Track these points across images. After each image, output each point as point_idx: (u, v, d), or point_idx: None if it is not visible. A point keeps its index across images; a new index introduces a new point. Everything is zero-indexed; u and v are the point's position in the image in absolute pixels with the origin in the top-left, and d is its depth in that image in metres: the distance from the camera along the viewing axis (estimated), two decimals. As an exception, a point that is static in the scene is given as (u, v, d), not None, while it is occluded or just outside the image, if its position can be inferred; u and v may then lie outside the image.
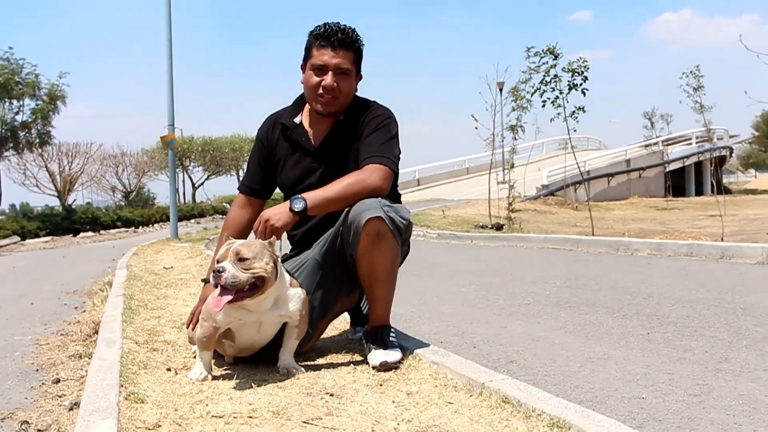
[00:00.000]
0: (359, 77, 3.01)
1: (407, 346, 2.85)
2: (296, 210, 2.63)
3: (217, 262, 2.48)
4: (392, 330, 2.84)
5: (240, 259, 2.42)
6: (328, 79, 2.85)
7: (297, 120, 3.04)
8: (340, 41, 2.86)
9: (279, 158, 3.07)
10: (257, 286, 2.45)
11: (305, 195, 2.67)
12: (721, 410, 2.28)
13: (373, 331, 2.77)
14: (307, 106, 3.05)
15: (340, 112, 2.96)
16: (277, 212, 2.66)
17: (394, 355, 2.66)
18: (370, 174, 2.76)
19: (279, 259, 2.57)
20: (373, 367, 2.62)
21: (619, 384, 2.63)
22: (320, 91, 2.87)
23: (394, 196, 2.91)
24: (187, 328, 2.96)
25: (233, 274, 2.39)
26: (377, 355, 2.64)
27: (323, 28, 2.90)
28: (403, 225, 2.71)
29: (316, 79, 2.87)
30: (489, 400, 2.16)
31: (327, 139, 2.97)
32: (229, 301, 2.40)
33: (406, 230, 2.78)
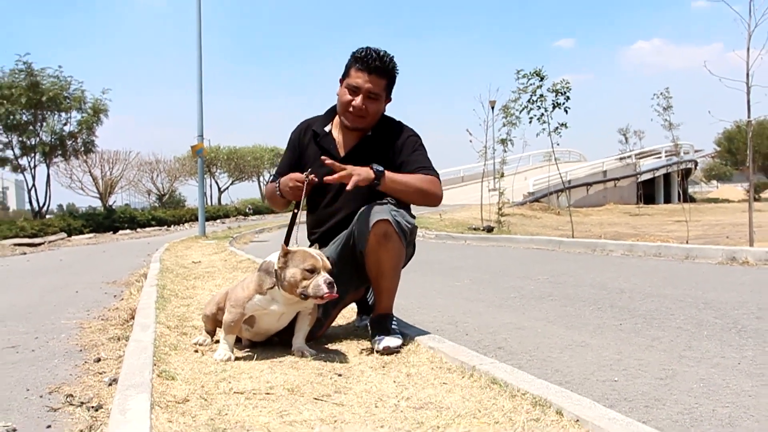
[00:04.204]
0: (388, 100, 2.99)
1: (407, 333, 2.85)
2: (376, 171, 2.64)
3: (311, 271, 2.45)
4: (394, 319, 2.84)
5: (331, 273, 2.49)
6: (358, 100, 2.84)
7: (327, 129, 3.03)
8: (376, 68, 2.84)
9: (307, 160, 3.05)
10: None
11: (386, 170, 2.68)
12: (684, 392, 2.28)
13: (378, 320, 2.78)
14: (337, 117, 3.05)
15: (366, 129, 2.95)
16: (361, 169, 2.63)
17: (395, 340, 2.67)
18: (437, 187, 2.81)
19: None
20: (377, 351, 2.62)
21: (594, 368, 2.64)
22: (350, 108, 2.87)
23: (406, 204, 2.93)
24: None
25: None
26: (381, 341, 2.65)
27: (364, 52, 2.86)
28: (408, 228, 2.72)
29: (348, 97, 2.87)
30: (479, 381, 2.16)
31: (354, 150, 2.97)
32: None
33: (411, 233, 2.78)
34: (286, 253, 2.52)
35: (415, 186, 2.78)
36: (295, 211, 2.93)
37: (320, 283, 2.43)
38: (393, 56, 2.91)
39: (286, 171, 3.08)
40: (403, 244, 2.74)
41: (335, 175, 2.63)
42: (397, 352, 2.63)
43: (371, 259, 2.71)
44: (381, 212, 2.64)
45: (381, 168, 2.67)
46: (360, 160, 2.89)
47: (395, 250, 2.70)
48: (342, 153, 2.98)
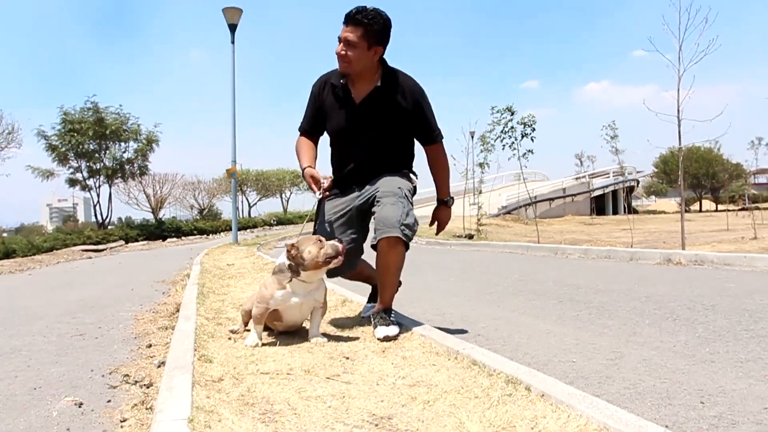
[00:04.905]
0: (376, 49, 2.77)
1: (403, 323, 2.83)
2: (447, 202, 3.00)
3: (320, 241, 2.53)
4: (393, 311, 2.83)
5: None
6: (338, 47, 2.78)
7: (342, 81, 2.90)
8: (351, 19, 2.74)
9: (326, 110, 2.96)
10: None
11: (445, 197, 3.00)
12: (630, 370, 2.27)
13: (380, 312, 2.76)
14: None
15: (352, 73, 2.82)
16: (447, 213, 3.01)
17: (393, 330, 2.64)
18: (446, 157, 2.99)
19: None
20: (378, 339, 2.60)
21: (556, 351, 2.62)
22: (337, 55, 2.82)
23: (410, 158, 3.01)
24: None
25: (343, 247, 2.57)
26: (381, 330, 2.63)
27: (351, 9, 2.78)
28: (411, 237, 2.70)
29: (336, 46, 2.81)
30: (462, 362, 2.15)
31: (367, 98, 2.86)
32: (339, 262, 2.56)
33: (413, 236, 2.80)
34: (293, 245, 2.53)
35: (448, 175, 3.02)
36: (307, 220, 2.98)
37: (334, 243, 2.53)
38: (374, 9, 2.76)
39: (309, 122, 3.02)
40: (405, 248, 2.72)
41: (442, 227, 3.06)
42: (395, 339, 2.60)
43: (380, 258, 2.72)
44: (393, 228, 2.62)
45: (449, 200, 3.01)
46: (371, 106, 2.84)
47: (400, 254, 2.71)
48: (357, 101, 2.88)
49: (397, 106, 2.82)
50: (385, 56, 2.85)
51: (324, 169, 2.96)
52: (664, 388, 2.05)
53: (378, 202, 2.73)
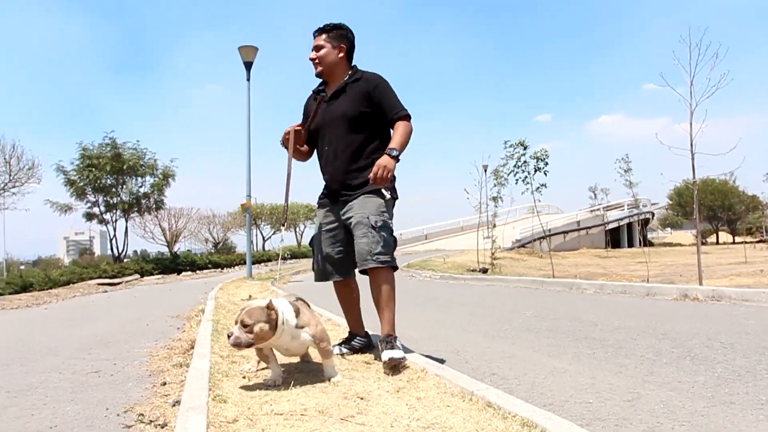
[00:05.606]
0: (340, 47, 3.19)
1: (418, 362, 2.82)
2: (395, 156, 2.93)
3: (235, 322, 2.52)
4: (396, 337, 2.94)
5: (244, 325, 2.46)
6: (311, 53, 3.20)
7: (323, 88, 3.31)
8: (318, 30, 3.20)
9: (310, 114, 3.30)
10: (253, 342, 2.48)
11: (395, 146, 2.95)
12: (648, 413, 2.23)
13: (384, 338, 2.91)
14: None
15: (325, 71, 3.21)
16: (388, 161, 2.90)
17: (398, 353, 2.76)
18: (410, 126, 3.07)
19: (279, 319, 2.53)
20: (384, 362, 2.72)
21: (572, 392, 2.59)
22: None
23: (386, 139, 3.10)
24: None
25: (236, 336, 2.46)
26: (387, 353, 2.76)
27: None
28: (386, 260, 2.94)
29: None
30: (477, 404, 2.13)
31: (336, 92, 3.20)
32: (240, 349, 2.58)
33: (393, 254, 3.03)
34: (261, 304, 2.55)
35: (408, 138, 3.04)
36: (282, 251, 3.11)
37: (234, 333, 2.47)
38: (334, 23, 3.22)
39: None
40: (390, 270, 2.99)
41: (381, 173, 2.88)
42: (400, 362, 2.70)
43: (371, 286, 3.01)
44: (367, 261, 2.93)
45: (394, 150, 2.94)
46: (340, 97, 3.17)
47: (382, 279, 2.98)
48: (329, 95, 3.21)
49: (359, 91, 3.14)
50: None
51: (315, 174, 3.33)
52: (683, 431, 2.02)
53: (354, 235, 3.03)
